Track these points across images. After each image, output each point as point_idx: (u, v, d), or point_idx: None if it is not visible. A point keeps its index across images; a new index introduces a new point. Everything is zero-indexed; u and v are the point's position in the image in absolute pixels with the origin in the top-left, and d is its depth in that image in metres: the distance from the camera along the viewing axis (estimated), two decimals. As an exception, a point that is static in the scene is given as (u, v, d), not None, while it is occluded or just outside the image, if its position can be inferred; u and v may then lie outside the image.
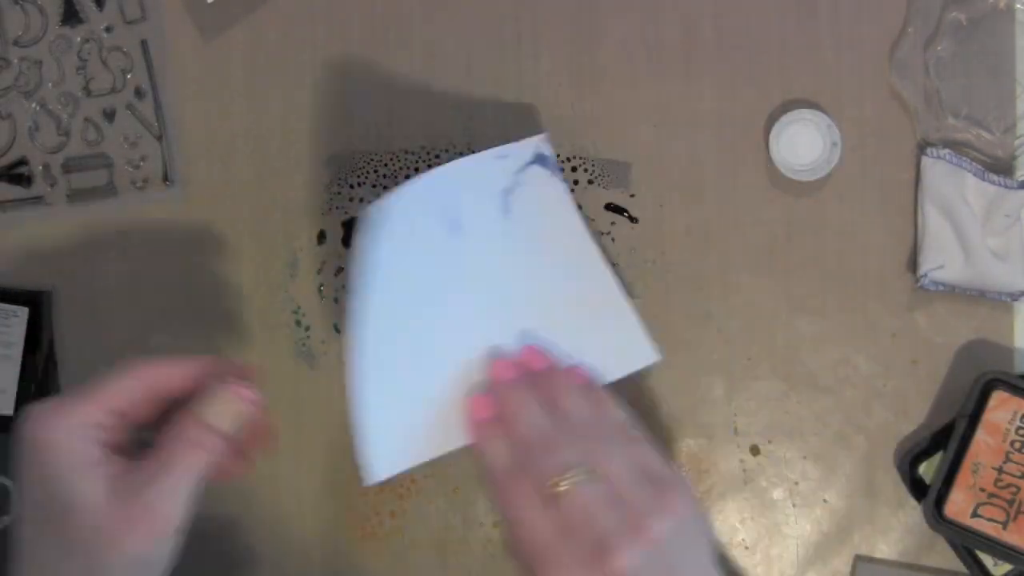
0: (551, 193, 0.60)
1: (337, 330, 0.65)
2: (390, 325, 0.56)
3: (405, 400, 0.56)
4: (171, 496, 0.45)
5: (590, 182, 0.66)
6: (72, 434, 0.46)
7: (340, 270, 0.66)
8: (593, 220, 0.65)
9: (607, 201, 0.65)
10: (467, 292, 0.58)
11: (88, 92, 0.66)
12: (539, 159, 0.59)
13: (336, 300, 0.66)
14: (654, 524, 0.46)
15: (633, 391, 0.65)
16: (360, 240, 0.56)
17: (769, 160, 0.65)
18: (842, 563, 0.64)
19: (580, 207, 0.63)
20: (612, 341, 0.58)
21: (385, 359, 0.56)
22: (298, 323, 0.65)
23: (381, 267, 0.56)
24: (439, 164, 0.65)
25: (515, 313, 0.58)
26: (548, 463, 0.49)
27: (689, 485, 0.51)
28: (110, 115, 0.66)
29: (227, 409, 0.48)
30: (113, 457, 0.46)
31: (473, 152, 0.63)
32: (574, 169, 0.65)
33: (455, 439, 0.55)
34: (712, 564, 0.48)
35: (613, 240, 0.65)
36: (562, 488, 0.48)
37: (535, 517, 0.48)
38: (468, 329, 0.57)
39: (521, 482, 0.49)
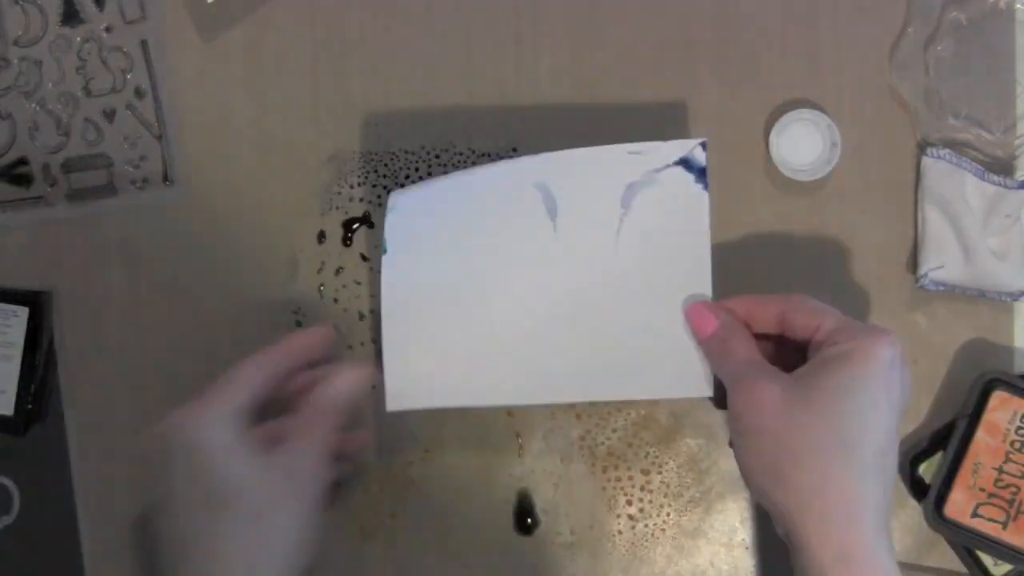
0: (689, 200, 0.57)
1: (339, 330, 0.65)
2: (439, 270, 0.58)
3: (436, 342, 0.58)
4: (318, 460, 0.52)
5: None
6: (219, 428, 0.51)
7: (340, 270, 0.66)
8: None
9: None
10: (541, 268, 0.58)
11: (88, 92, 0.66)
12: (685, 163, 0.58)
13: (336, 300, 0.66)
14: None
15: (633, 391, 0.65)
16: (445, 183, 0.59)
17: (769, 160, 0.65)
18: (842, 563, 0.64)
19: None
20: (676, 361, 0.56)
21: (423, 298, 0.58)
22: (298, 323, 0.65)
23: (453, 217, 0.59)
24: (439, 164, 0.66)
25: (587, 298, 0.58)
26: None
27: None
28: (110, 115, 0.66)
29: (346, 379, 0.54)
30: (256, 440, 0.51)
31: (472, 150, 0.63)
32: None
33: (482, 397, 0.57)
34: None
35: (613, 240, 0.65)
36: None
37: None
38: (528, 298, 0.58)
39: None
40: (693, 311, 0.55)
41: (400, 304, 0.58)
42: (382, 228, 0.59)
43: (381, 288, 0.59)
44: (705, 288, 0.56)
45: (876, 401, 0.48)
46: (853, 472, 0.48)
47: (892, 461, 0.50)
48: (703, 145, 0.57)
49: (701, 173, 0.57)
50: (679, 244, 0.57)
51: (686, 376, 0.56)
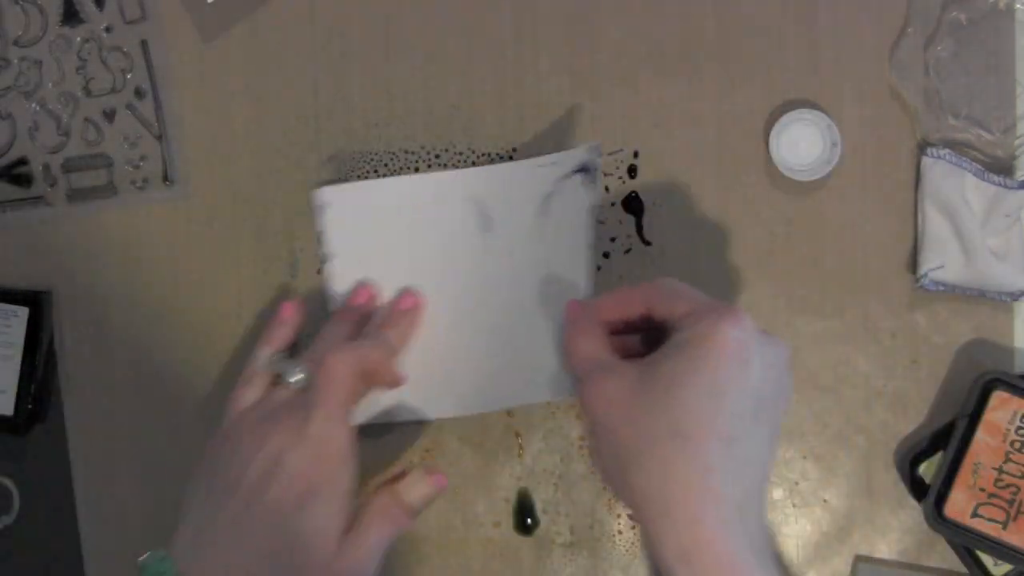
0: (579, 202, 0.62)
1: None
2: (378, 280, 0.61)
3: None
4: (371, 557, 0.53)
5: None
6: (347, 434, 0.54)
7: (340, 270, 0.66)
8: (602, 222, 0.65)
9: (611, 199, 0.66)
10: (473, 279, 0.61)
11: (88, 92, 0.66)
12: (583, 167, 0.61)
13: (336, 300, 0.66)
14: None
15: (633, 391, 0.65)
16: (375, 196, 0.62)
17: (769, 160, 0.65)
18: (842, 563, 0.64)
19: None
20: (547, 363, 0.60)
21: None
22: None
23: (388, 225, 0.61)
24: (439, 164, 0.66)
25: (497, 308, 0.61)
26: None
27: None
28: (110, 115, 0.66)
29: (422, 492, 0.58)
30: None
31: (469, 151, 0.64)
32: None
33: (420, 412, 0.61)
34: None
35: (613, 239, 0.65)
36: None
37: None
38: (462, 315, 0.61)
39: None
40: (564, 314, 0.57)
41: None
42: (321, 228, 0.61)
43: (330, 294, 0.61)
44: (579, 287, 0.61)
45: (718, 386, 0.45)
46: (695, 465, 0.45)
47: (753, 450, 0.46)
48: (597, 148, 0.61)
49: (591, 175, 0.61)
50: (566, 248, 0.61)
51: (544, 381, 0.61)
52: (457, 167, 0.66)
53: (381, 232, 0.62)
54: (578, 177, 0.61)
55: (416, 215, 0.62)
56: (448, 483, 0.59)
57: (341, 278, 0.62)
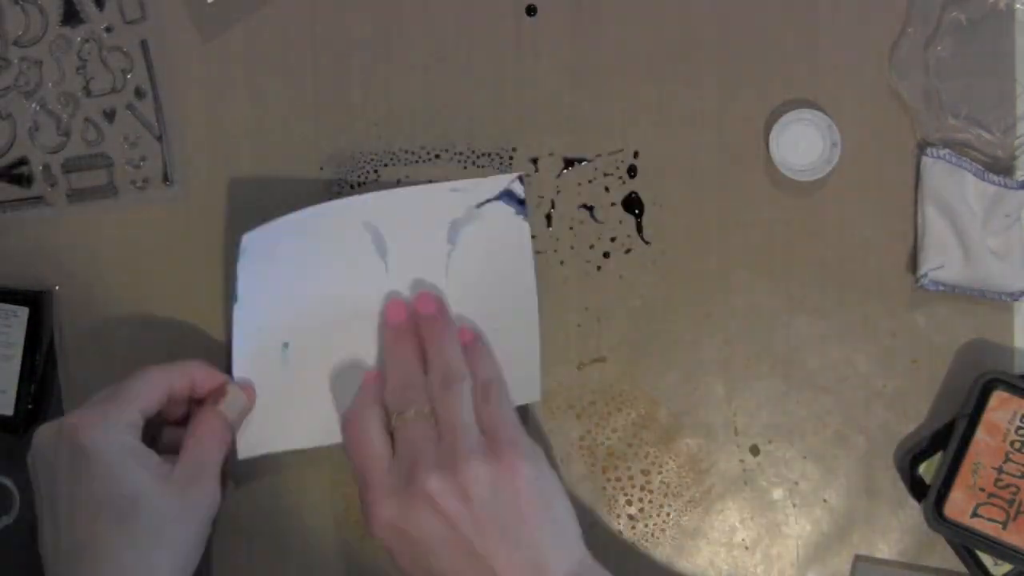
0: (511, 230, 0.61)
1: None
2: (282, 318, 0.61)
3: (281, 388, 0.60)
4: (215, 477, 0.54)
5: (591, 181, 0.66)
6: (116, 436, 0.51)
7: (340, 270, 0.66)
8: (602, 222, 0.65)
9: (614, 199, 0.66)
10: (375, 306, 0.61)
11: (88, 92, 0.66)
12: (506, 196, 0.61)
13: (336, 300, 0.66)
14: (471, 467, 0.51)
15: (634, 391, 0.65)
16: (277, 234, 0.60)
17: (769, 160, 0.65)
18: (842, 563, 0.64)
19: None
20: (511, 372, 0.60)
21: (268, 343, 0.61)
22: (298, 323, 0.65)
23: (294, 262, 0.60)
24: (439, 164, 0.66)
25: None
26: (396, 400, 0.56)
27: (540, 457, 0.54)
28: (110, 115, 0.66)
29: (235, 403, 0.58)
30: (150, 450, 0.53)
31: (462, 154, 0.64)
32: (570, 165, 0.66)
33: (327, 436, 0.60)
34: (548, 535, 0.52)
35: (613, 239, 0.65)
36: (395, 423, 0.55)
37: (374, 439, 0.54)
38: (368, 342, 0.61)
39: (373, 409, 0.56)
40: None
41: (248, 351, 0.61)
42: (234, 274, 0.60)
43: (233, 337, 0.61)
44: (532, 313, 0.61)
45: None
46: None
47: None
48: (520, 179, 0.61)
49: (521, 204, 0.61)
50: (505, 273, 0.61)
51: (518, 386, 0.60)
52: (458, 167, 0.66)
53: (289, 267, 0.61)
54: (501, 205, 0.61)
55: (319, 245, 0.61)
56: (253, 394, 0.59)
57: (243, 323, 0.61)
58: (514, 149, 0.66)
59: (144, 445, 0.53)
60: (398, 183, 0.66)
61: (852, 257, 0.65)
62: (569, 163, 0.66)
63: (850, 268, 0.65)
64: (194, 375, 0.57)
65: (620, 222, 0.65)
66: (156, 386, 0.55)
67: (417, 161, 0.66)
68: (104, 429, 0.51)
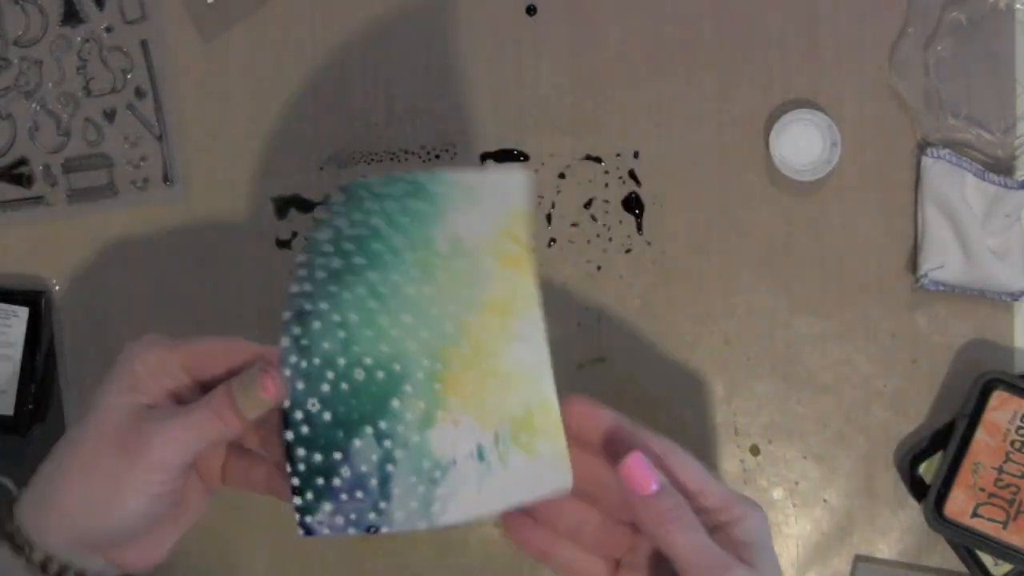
0: None
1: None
2: None
3: None
4: (171, 444, 0.45)
5: (591, 181, 0.66)
6: (145, 366, 0.47)
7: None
8: (602, 223, 0.65)
9: (614, 197, 0.66)
10: None
11: (88, 92, 0.66)
12: None
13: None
14: None
15: (634, 391, 0.65)
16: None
17: (769, 160, 0.65)
18: (842, 563, 0.64)
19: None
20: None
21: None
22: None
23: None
24: (439, 164, 0.66)
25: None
26: None
27: None
28: (110, 115, 0.66)
29: (255, 396, 0.46)
30: (160, 399, 0.47)
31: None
32: (567, 168, 0.66)
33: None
34: None
35: (611, 240, 0.65)
36: None
37: None
38: None
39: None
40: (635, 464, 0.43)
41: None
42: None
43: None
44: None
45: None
46: None
47: None
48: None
49: None
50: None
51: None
52: (457, 167, 0.66)
53: None
54: None
55: None
56: (282, 393, 0.45)
57: None
58: (514, 150, 0.66)
59: (161, 391, 0.47)
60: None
61: (852, 257, 0.65)
62: (569, 163, 0.66)
63: (850, 268, 0.65)
64: (248, 355, 0.47)
65: (620, 222, 0.65)
66: (211, 349, 0.47)
67: (417, 161, 0.66)
68: (141, 357, 0.47)
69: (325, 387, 0.46)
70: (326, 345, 0.47)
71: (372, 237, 0.47)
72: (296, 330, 0.47)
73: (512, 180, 0.47)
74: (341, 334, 0.47)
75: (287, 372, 0.46)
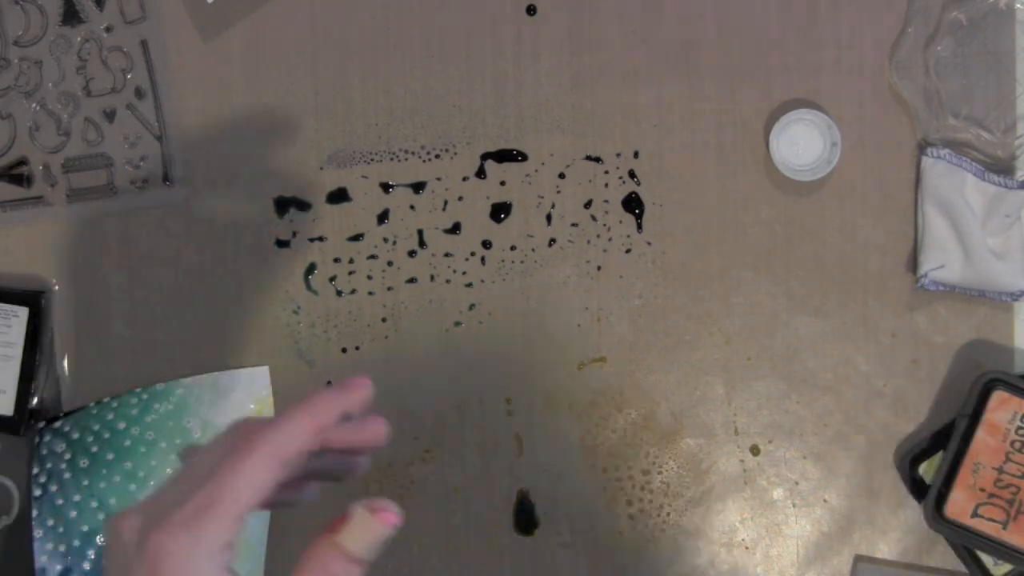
0: None
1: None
2: None
3: None
4: None
5: (591, 181, 0.66)
6: (205, 568, 0.40)
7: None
8: (602, 223, 0.65)
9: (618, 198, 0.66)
10: None
11: (88, 92, 0.66)
12: None
13: (339, 293, 0.66)
14: None
15: (634, 391, 0.65)
16: None
17: (769, 160, 0.65)
18: (842, 563, 0.64)
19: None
20: None
21: None
22: (298, 323, 0.65)
23: None
24: (439, 164, 0.66)
25: None
26: None
27: None
28: (110, 115, 0.66)
29: (367, 534, 0.44)
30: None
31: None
32: (568, 167, 0.66)
33: None
34: None
35: (611, 240, 0.65)
36: None
37: None
38: None
39: None
40: None
41: None
42: None
43: None
44: None
45: None
46: None
47: None
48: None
49: None
50: None
51: None
52: (457, 167, 0.66)
53: None
54: None
55: None
56: (400, 519, 0.44)
57: None
58: (514, 150, 0.66)
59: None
60: (392, 188, 0.66)
61: (852, 257, 0.65)
62: (569, 163, 0.66)
63: (850, 268, 0.65)
64: (322, 420, 0.43)
65: (620, 222, 0.65)
66: (266, 475, 0.42)
67: (417, 161, 0.66)
68: (194, 559, 0.40)
69: (86, 565, 0.64)
70: (85, 528, 0.64)
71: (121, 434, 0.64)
72: (50, 522, 0.64)
73: (256, 375, 0.64)
74: (100, 516, 0.63)
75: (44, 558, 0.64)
